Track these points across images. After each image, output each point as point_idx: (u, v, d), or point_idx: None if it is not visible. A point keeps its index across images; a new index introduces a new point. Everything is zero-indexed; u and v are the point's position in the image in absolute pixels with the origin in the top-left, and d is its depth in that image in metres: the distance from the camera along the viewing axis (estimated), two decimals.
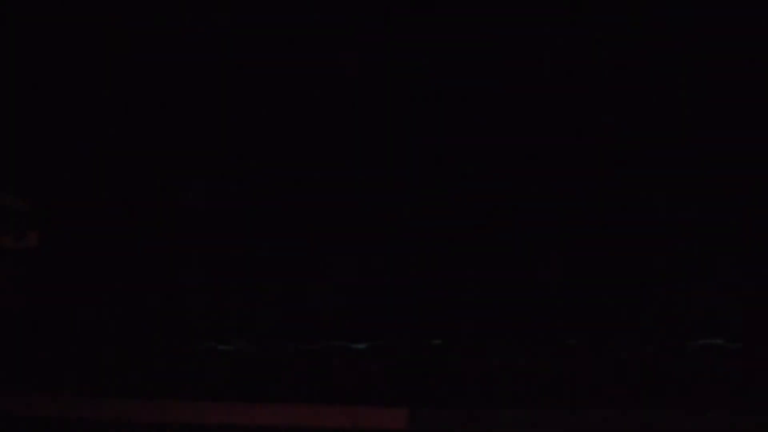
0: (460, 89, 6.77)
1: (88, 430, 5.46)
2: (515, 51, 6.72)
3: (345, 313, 6.80)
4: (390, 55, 6.81)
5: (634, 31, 6.65)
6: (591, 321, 6.68)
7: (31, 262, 6.88)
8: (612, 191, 6.68)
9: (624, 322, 6.65)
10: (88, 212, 6.90)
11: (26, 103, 6.97)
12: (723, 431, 5.18)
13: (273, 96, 6.90)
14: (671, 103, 6.65)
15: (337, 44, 6.84)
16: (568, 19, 6.68)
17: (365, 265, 6.81)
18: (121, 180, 6.90)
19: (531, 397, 5.58)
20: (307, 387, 5.92)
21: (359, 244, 6.83)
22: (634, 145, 6.69)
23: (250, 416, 5.46)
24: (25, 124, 7.00)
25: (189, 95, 6.94)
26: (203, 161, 6.90)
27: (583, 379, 6.03)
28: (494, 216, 6.75)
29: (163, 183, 6.90)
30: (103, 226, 6.89)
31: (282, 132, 6.88)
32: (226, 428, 5.41)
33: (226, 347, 6.80)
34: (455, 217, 6.77)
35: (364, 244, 6.82)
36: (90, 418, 5.46)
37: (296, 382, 6.03)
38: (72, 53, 6.94)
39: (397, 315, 6.76)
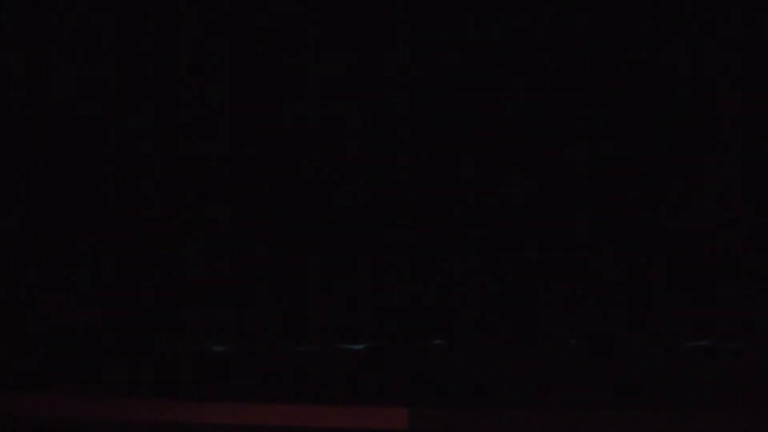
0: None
1: (88, 430, 5.46)
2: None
3: (343, 313, 6.80)
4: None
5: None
6: (591, 321, 6.68)
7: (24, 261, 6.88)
8: (609, 190, 6.67)
9: (624, 323, 6.65)
10: (81, 210, 6.90)
11: None
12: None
13: (268, 94, 6.91)
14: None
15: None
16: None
17: (365, 264, 6.81)
18: (114, 177, 6.91)
19: (531, 397, 5.57)
20: (306, 387, 5.92)
21: (358, 243, 6.83)
22: (631, 146, 6.69)
23: (250, 416, 5.46)
24: None
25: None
26: (198, 159, 6.90)
27: (583, 379, 6.03)
28: (494, 215, 6.74)
29: (160, 181, 6.90)
30: (98, 225, 6.90)
31: (277, 132, 6.88)
32: (226, 428, 5.40)
33: (223, 348, 6.80)
34: (455, 215, 6.77)
35: (363, 244, 6.82)
36: (90, 418, 5.46)
37: (295, 382, 6.03)
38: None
39: (397, 315, 6.76)
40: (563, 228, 6.70)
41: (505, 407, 5.36)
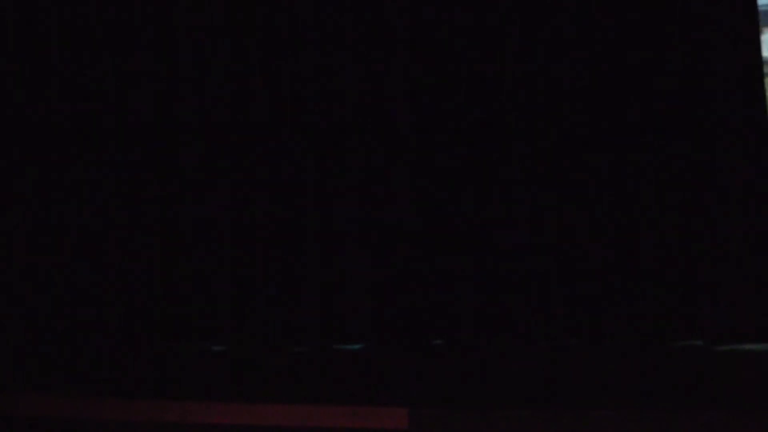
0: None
1: (88, 430, 5.46)
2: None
3: (342, 313, 6.80)
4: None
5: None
6: (590, 321, 6.68)
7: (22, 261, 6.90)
8: (604, 191, 6.68)
9: (623, 323, 6.66)
10: (77, 209, 6.90)
11: None
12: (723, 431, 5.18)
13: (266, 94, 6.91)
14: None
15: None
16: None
17: (364, 264, 6.81)
18: (111, 177, 6.91)
19: (531, 397, 5.58)
20: (306, 387, 5.92)
21: (357, 243, 6.83)
22: (622, 149, 6.70)
23: (250, 416, 5.46)
24: None
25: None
26: (196, 158, 6.90)
27: (584, 379, 6.04)
28: (493, 216, 6.75)
29: (157, 180, 6.90)
30: (96, 224, 6.90)
31: (275, 131, 6.88)
32: (226, 428, 5.41)
33: (221, 348, 6.80)
34: (454, 215, 6.77)
35: (362, 243, 6.82)
36: (90, 418, 5.46)
37: (294, 382, 6.04)
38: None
39: (397, 315, 6.76)
40: (561, 228, 6.71)
41: (505, 407, 5.35)
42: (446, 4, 6.77)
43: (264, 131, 6.88)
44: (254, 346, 6.80)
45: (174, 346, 6.80)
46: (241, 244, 6.86)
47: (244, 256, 6.86)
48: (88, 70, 6.95)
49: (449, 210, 6.77)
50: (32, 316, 6.88)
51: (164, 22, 6.93)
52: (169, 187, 6.90)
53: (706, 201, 6.60)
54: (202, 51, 6.90)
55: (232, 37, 6.86)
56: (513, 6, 6.70)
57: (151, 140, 6.91)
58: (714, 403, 5.48)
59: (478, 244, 6.74)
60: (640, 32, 6.59)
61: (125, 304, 6.87)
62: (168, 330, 6.86)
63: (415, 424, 5.24)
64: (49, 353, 6.69)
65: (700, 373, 6.19)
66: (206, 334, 6.88)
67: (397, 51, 6.81)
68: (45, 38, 6.96)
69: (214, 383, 6.03)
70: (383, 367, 6.38)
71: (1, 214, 6.94)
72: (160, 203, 6.90)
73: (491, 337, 6.71)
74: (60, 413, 5.51)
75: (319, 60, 6.85)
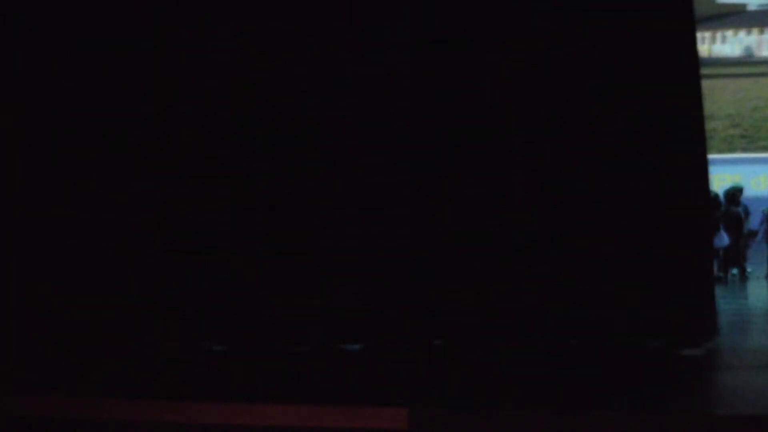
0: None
1: (88, 430, 5.46)
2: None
3: (342, 313, 6.81)
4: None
5: None
6: (590, 321, 6.70)
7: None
8: (608, 193, 6.69)
9: (622, 323, 6.67)
10: (76, 209, 6.91)
11: None
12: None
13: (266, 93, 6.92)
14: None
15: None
16: None
17: (364, 264, 6.82)
18: (112, 176, 6.92)
19: (531, 397, 5.59)
20: (306, 387, 5.93)
21: (357, 243, 6.84)
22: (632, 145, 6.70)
23: (250, 416, 5.47)
24: None
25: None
26: (199, 158, 6.91)
27: (583, 379, 6.05)
28: (493, 216, 6.76)
29: (160, 180, 6.91)
30: (96, 225, 6.91)
31: (277, 133, 6.89)
32: (226, 428, 5.41)
33: (221, 348, 6.81)
34: (454, 216, 6.78)
35: (362, 244, 6.83)
36: (90, 418, 5.46)
37: (294, 382, 6.05)
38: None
39: (397, 315, 6.77)
40: (562, 229, 6.72)
41: (506, 407, 5.36)
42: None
43: (264, 131, 6.89)
44: (254, 346, 6.81)
45: (174, 346, 6.80)
46: (241, 245, 6.86)
47: (244, 256, 6.86)
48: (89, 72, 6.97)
49: (449, 211, 6.77)
50: (33, 317, 6.88)
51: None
52: (169, 186, 6.91)
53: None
54: (201, 55, 6.92)
55: (232, 35, 6.88)
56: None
57: (151, 141, 6.92)
58: (711, 404, 5.50)
59: (478, 244, 6.75)
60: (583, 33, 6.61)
61: (125, 304, 6.88)
62: (168, 330, 6.86)
63: (415, 424, 5.24)
64: (50, 353, 6.70)
65: (697, 374, 6.21)
66: (206, 334, 6.89)
67: (394, 48, 6.82)
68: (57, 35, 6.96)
69: (215, 383, 6.04)
70: (383, 367, 6.39)
71: (2, 214, 6.94)
72: (161, 202, 6.90)
73: (491, 336, 6.72)
74: (60, 413, 5.51)
75: (318, 59, 6.86)
